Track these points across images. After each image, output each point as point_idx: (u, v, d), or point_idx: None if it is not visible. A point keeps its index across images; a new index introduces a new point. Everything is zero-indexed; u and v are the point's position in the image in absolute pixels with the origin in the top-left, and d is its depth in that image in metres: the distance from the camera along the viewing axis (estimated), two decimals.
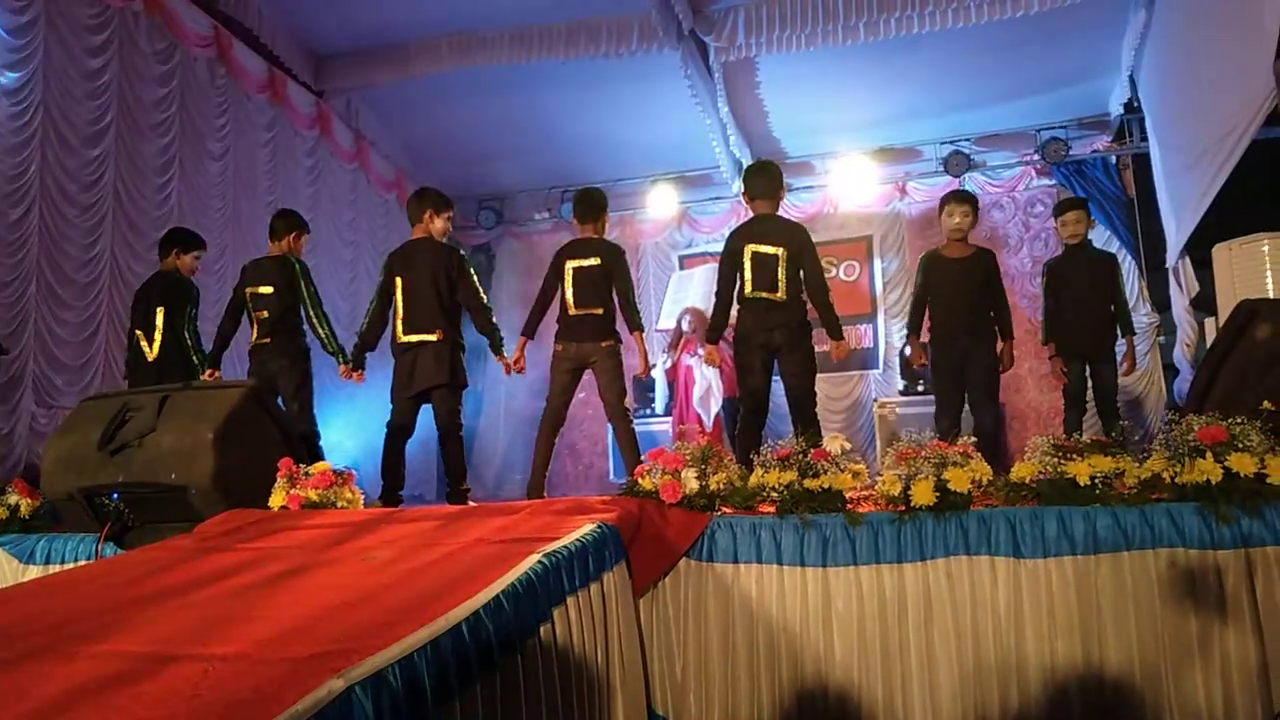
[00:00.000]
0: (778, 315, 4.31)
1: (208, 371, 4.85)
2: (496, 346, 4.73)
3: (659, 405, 8.28)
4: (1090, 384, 5.18)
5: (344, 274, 8.03)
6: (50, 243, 5.14)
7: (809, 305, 4.43)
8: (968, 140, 8.52)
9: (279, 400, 4.68)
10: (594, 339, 4.64)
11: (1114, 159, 8.31)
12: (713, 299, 4.65)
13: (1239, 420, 2.46)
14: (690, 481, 2.88)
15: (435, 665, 1.52)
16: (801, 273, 4.35)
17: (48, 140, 5.15)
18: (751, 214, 4.59)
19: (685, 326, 7.49)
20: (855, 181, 8.81)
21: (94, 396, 3.92)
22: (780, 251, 4.31)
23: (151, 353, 4.85)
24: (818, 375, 4.44)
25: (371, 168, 8.51)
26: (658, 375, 8.17)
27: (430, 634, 1.56)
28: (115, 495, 3.29)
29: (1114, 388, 5.14)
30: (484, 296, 4.76)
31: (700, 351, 7.17)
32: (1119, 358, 5.17)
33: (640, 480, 2.96)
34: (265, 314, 4.81)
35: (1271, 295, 4.19)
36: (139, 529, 3.34)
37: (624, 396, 4.71)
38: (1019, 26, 6.40)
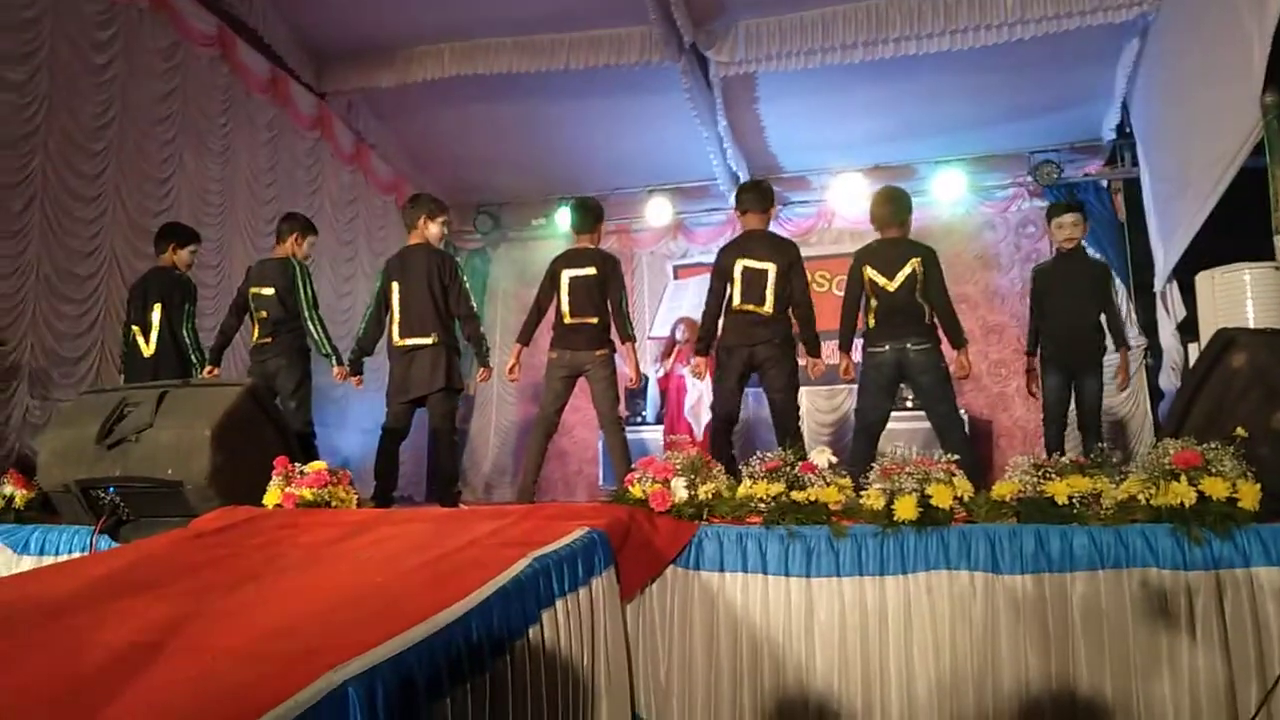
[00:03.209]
0: (763, 330, 4.37)
1: (208, 369, 4.89)
2: (483, 357, 4.79)
3: (650, 414, 8.32)
4: (1074, 397, 4.92)
5: (341, 273, 8.05)
6: (51, 236, 5.16)
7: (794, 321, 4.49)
8: (962, 160, 8.61)
9: (276, 399, 4.73)
10: (588, 347, 4.69)
11: (1105, 183, 8.39)
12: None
13: (1213, 445, 2.52)
14: (679, 491, 2.93)
15: (427, 663, 1.55)
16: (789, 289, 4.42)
17: (51, 134, 5.17)
18: (742, 228, 4.66)
19: (679, 336, 7.54)
20: (850, 198, 8.86)
21: (93, 390, 3.96)
22: (771, 267, 4.38)
23: (148, 349, 4.89)
24: (805, 389, 4.50)
25: (371, 170, 8.53)
26: (649, 384, 8.21)
27: (423, 632, 1.60)
28: (111, 489, 3.33)
29: (1098, 403, 4.88)
30: (473, 305, 4.82)
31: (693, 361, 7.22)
32: (1106, 372, 4.94)
33: (630, 488, 3.01)
34: (265, 314, 4.87)
35: (1251, 324, 4.24)
36: (134, 523, 3.38)
37: (617, 405, 4.77)
38: (1015, 51, 6.48)
